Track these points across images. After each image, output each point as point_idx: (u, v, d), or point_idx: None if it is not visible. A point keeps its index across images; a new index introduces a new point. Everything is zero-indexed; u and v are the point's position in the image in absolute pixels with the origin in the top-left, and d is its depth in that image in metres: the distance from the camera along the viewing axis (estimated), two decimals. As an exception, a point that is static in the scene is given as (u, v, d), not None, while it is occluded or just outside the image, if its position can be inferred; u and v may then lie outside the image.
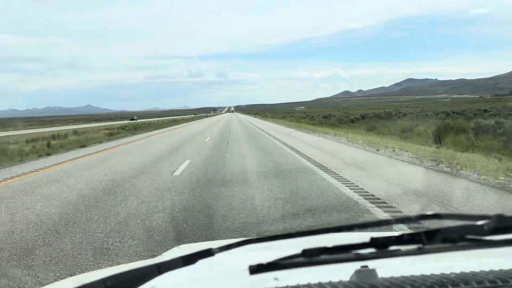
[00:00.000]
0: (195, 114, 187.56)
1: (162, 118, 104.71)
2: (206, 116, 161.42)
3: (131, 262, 2.36)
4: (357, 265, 0.95)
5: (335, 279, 0.94)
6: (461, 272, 0.95)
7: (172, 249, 1.89)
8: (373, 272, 0.95)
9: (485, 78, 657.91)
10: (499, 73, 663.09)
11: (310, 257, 0.93)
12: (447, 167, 9.01)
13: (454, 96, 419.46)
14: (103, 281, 0.89)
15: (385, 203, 5.93)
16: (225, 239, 3.91)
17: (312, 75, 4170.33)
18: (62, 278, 3.85)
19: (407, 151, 12.23)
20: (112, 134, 27.74)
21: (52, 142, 19.60)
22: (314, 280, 0.95)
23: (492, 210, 5.32)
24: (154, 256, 2.50)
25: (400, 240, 0.94)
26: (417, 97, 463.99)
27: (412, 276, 0.95)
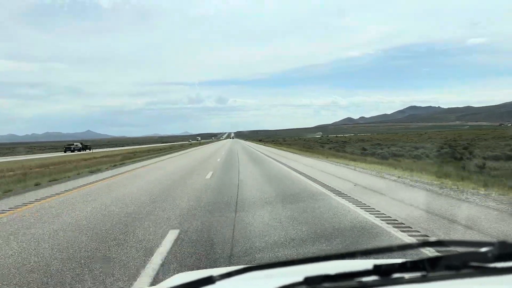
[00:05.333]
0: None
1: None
2: (189, 143, 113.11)
3: None
4: None
5: None
6: None
7: (173, 276, 1.89)
8: (376, 300, 0.96)
9: (496, 106, 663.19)
10: (507, 101, 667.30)
11: (312, 285, 0.95)
12: None
13: (470, 123, 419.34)
14: None
15: None
16: (226, 266, 3.84)
17: (311, 102, 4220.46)
18: None
19: None
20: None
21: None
22: None
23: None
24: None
25: (403, 267, 0.96)
26: (429, 124, 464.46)
27: None
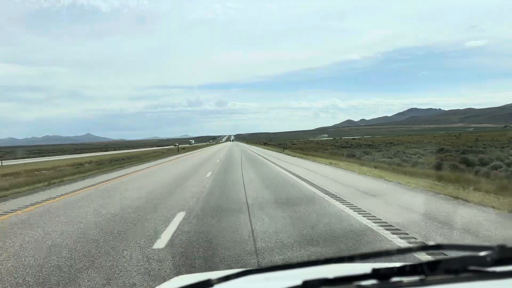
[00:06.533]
0: None
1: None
2: (177, 147, 76.91)
3: None
4: None
5: None
6: None
7: (171, 279, 1.90)
8: (375, 304, 0.96)
9: (498, 107, 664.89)
10: (507, 103, 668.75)
11: (311, 289, 0.94)
12: None
13: (473, 125, 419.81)
14: None
15: None
16: (224, 269, 3.86)
17: (311, 105, 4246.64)
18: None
19: None
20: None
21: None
22: None
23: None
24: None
25: (402, 271, 0.96)
26: (431, 126, 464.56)
27: None
